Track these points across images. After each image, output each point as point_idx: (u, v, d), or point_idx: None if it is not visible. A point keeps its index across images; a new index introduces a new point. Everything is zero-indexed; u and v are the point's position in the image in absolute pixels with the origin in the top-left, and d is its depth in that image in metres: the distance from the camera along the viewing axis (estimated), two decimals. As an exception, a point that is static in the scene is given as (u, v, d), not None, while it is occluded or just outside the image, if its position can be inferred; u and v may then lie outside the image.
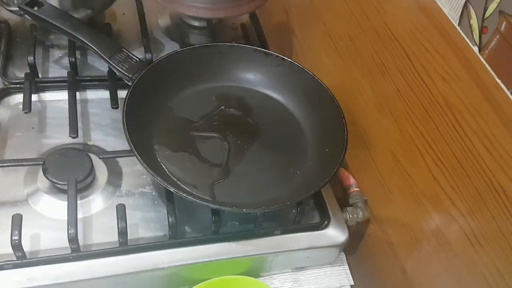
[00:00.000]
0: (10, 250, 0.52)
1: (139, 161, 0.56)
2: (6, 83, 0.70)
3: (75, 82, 0.71)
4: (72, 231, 0.53)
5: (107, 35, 0.75)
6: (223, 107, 0.71)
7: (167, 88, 0.69)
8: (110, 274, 0.54)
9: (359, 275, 0.67)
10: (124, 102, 0.61)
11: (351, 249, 0.69)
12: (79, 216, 0.57)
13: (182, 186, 0.60)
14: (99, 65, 0.76)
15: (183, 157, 0.64)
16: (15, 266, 0.53)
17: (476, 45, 0.45)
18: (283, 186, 0.63)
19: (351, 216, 0.64)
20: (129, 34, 0.82)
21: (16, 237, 0.51)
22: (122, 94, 0.69)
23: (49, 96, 0.72)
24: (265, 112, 0.71)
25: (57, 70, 0.75)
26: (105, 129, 0.69)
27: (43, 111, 0.70)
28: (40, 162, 0.59)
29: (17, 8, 0.71)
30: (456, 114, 0.48)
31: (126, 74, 0.66)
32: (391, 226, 0.61)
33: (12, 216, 0.52)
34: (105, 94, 0.72)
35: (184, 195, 0.55)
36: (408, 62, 0.55)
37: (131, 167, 0.65)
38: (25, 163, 0.60)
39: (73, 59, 0.72)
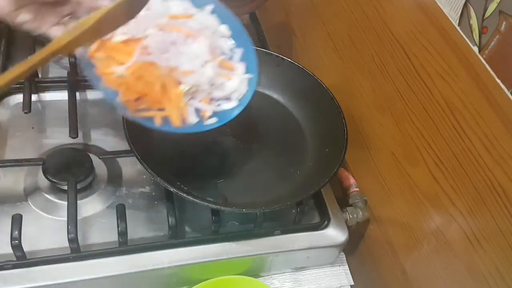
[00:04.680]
0: (10, 250, 0.52)
1: (139, 161, 0.56)
2: (6, 83, 0.70)
3: (75, 82, 0.71)
4: (72, 231, 0.53)
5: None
6: (223, 107, 0.71)
7: (167, 88, 0.69)
8: (110, 274, 0.54)
9: (359, 275, 0.67)
10: (124, 102, 0.61)
11: (351, 249, 0.69)
12: (79, 216, 0.57)
13: (182, 186, 0.60)
14: (99, 65, 0.76)
15: (182, 157, 0.64)
16: (15, 266, 0.53)
17: (476, 45, 0.45)
18: (283, 186, 0.63)
19: (351, 216, 0.64)
20: (129, 34, 0.82)
21: (16, 237, 0.51)
22: (122, 94, 0.69)
23: (49, 96, 0.72)
24: (265, 112, 0.71)
25: (57, 70, 0.75)
26: (105, 129, 0.69)
27: (43, 111, 0.70)
28: (40, 162, 0.59)
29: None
30: (456, 114, 0.48)
31: (126, 74, 0.65)
32: (391, 226, 0.61)
33: (12, 216, 0.52)
34: (105, 94, 0.72)
35: (184, 195, 0.55)
36: (408, 62, 0.55)
37: (131, 167, 0.65)
38: (25, 163, 0.60)
39: (73, 59, 0.71)
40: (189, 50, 0.55)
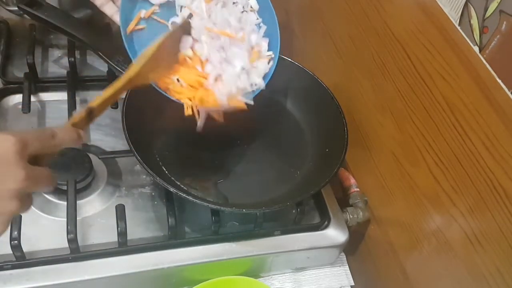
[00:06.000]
0: (9, 250, 0.52)
1: (139, 161, 0.55)
2: (5, 83, 0.70)
3: (74, 82, 0.71)
4: (71, 231, 0.53)
5: (107, 35, 0.75)
6: (223, 107, 0.71)
7: (166, 88, 0.69)
8: (109, 275, 0.54)
9: (360, 276, 0.67)
10: (124, 102, 0.61)
11: (351, 250, 0.69)
12: (79, 216, 0.57)
13: (182, 186, 0.60)
14: (99, 65, 0.76)
15: (182, 157, 0.64)
16: (14, 267, 0.53)
17: (477, 45, 0.45)
18: (283, 186, 0.63)
19: (351, 216, 0.63)
20: (129, 34, 0.82)
21: (16, 238, 0.51)
22: (121, 94, 0.68)
23: (49, 96, 0.71)
24: (265, 112, 0.71)
25: (57, 70, 0.75)
26: (105, 129, 0.69)
27: (42, 111, 0.70)
28: (40, 162, 0.59)
29: (16, 8, 0.71)
30: (457, 114, 0.48)
31: (126, 74, 0.65)
32: (392, 226, 0.61)
33: (12, 217, 0.52)
34: (104, 94, 0.72)
35: (184, 195, 0.55)
36: (408, 62, 0.55)
37: (131, 167, 0.65)
38: (24, 163, 0.60)
39: (73, 59, 0.71)
40: (231, 55, 0.58)
